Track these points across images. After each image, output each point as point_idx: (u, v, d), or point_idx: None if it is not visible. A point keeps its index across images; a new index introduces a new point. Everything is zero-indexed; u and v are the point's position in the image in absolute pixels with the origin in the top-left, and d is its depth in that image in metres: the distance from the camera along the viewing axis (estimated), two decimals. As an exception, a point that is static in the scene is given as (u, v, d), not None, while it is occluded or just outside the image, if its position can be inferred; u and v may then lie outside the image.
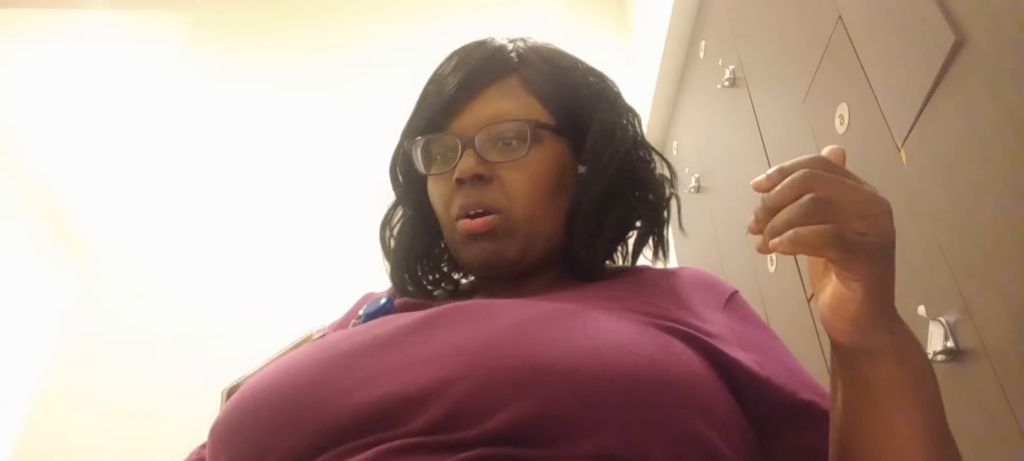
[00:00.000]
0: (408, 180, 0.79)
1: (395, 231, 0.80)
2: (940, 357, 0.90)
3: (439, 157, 0.72)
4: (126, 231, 2.70)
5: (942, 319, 0.92)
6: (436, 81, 0.75)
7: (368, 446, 0.49)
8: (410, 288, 0.78)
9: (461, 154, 0.69)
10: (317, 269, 2.52)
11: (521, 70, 0.73)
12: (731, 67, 1.86)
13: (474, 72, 0.72)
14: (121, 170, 2.81)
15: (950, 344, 0.90)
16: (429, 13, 3.14)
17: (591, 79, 0.77)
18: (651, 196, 0.77)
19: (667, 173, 0.79)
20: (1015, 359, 0.81)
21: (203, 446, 0.66)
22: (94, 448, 2.27)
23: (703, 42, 2.18)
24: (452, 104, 0.71)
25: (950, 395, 0.91)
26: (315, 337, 0.73)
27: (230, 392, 0.68)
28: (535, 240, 0.70)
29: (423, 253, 0.78)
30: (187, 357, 2.40)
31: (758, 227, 0.48)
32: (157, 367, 2.42)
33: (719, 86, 1.90)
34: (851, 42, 1.17)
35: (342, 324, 0.77)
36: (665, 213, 0.78)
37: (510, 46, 0.75)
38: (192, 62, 3.04)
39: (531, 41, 0.77)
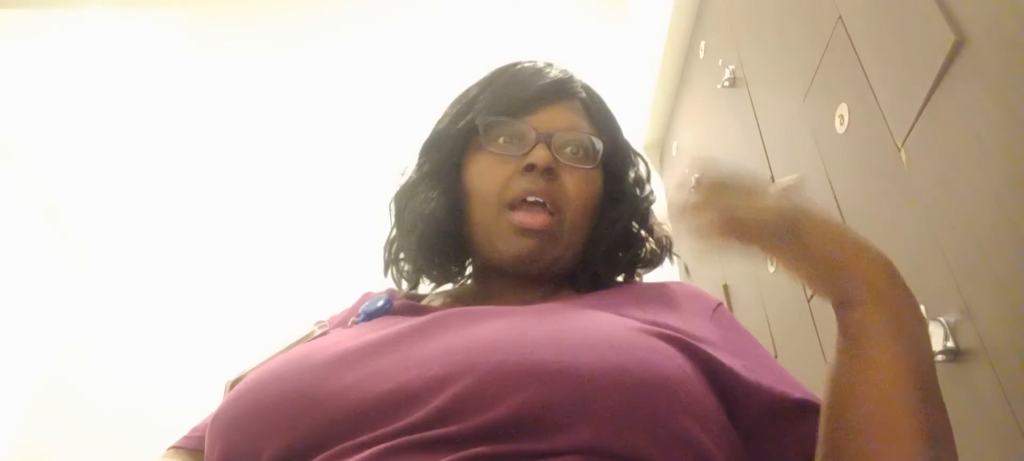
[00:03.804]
0: (442, 160, 0.80)
1: (420, 208, 0.79)
2: (940, 357, 0.90)
3: (503, 139, 0.76)
4: (125, 231, 2.70)
5: (942, 319, 0.92)
6: (514, 76, 0.80)
7: (367, 444, 0.50)
8: (433, 273, 0.81)
9: (535, 144, 0.74)
10: (316, 267, 2.52)
11: (585, 100, 0.81)
12: (731, 67, 1.86)
13: (554, 82, 0.79)
14: (120, 170, 2.81)
15: (950, 344, 0.90)
16: (430, 15, 3.13)
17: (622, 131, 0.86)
18: (653, 238, 0.84)
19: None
20: (1015, 359, 0.81)
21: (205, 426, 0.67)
22: (94, 448, 2.27)
23: (703, 42, 2.18)
24: (532, 101, 0.77)
25: (950, 395, 0.91)
26: (317, 334, 0.73)
27: (233, 384, 0.68)
28: (568, 250, 0.76)
29: (451, 234, 0.78)
30: (187, 357, 2.40)
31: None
32: (157, 367, 2.42)
33: (719, 86, 1.89)
34: (851, 42, 1.17)
35: (341, 322, 0.77)
36: (667, 256, 0.86)
37: (574, 76, 0.82)
38: (190, 62, 3.04)
39: (579, 76, 0.85)
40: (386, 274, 0.84)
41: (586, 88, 0.83)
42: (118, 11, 3.08)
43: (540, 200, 0.72)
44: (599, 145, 0.78)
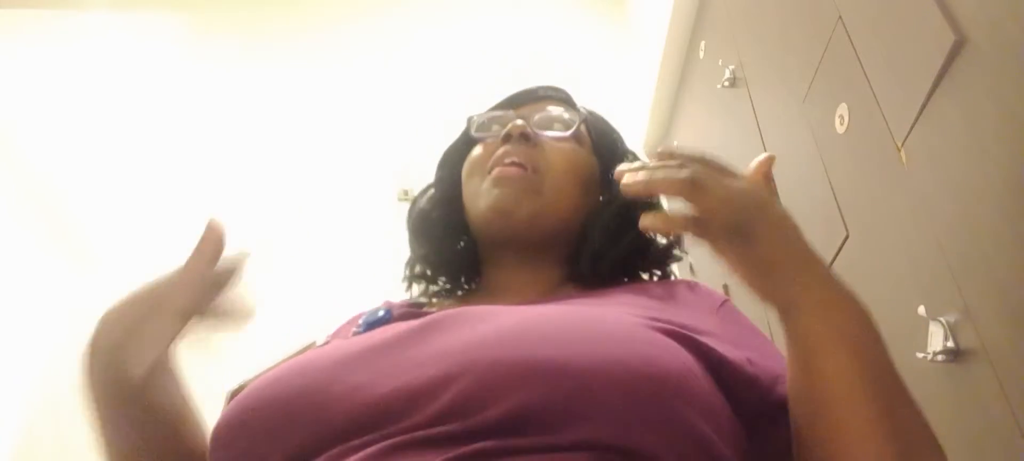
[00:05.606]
0: (448, 171, 0.87)
1: (424, 208, 0.87)
2: (940, 357, 0.90)
3: (490, 129, 0.83)
4: (127, 231, 2.70)
5: (942, 319, 0.92)
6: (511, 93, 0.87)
7: (371, 443, 0.50)
8: (443, 268, 0.84)
9: (514, 122, 0.78)
10: (320, 272, 2.52)
11: (585, 114, 0.85)
12: (731, 67, 1.86)
13: (549, 87, 0.87)
14: (122, 170, 2.81)
15: (950, 344, 0.90)
16: (430, 16, 3.13)
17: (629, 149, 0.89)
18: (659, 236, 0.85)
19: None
20: (1015, 359, 0.81)
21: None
22: (94, 449, 2.27)
23: (703, 42, 2.18)
24: (523, 97, 0.85)
25: (950, 395, 0.92)
26: (318, 347, 0.73)
27: (234, 394, 0.68)
28: (551, 213, 0.76)
29: (453, 224, 0.84)
30: (188, 357, 2.40)
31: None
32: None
33: (719, 86, 1.90)
34: (851, 42, 1.17)
35: (339, 337, 0.77)
36: (676, 251, 0.87)
37: (571, 94, 0.88)
38: (192, 62, 3.04)
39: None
40: (408, 289, 0.87)
41: (585, 106, 0.87)
42: (119, 11, 3.08)
43: (516, 160, 0.75)
44: (581, 118, 0.82)
